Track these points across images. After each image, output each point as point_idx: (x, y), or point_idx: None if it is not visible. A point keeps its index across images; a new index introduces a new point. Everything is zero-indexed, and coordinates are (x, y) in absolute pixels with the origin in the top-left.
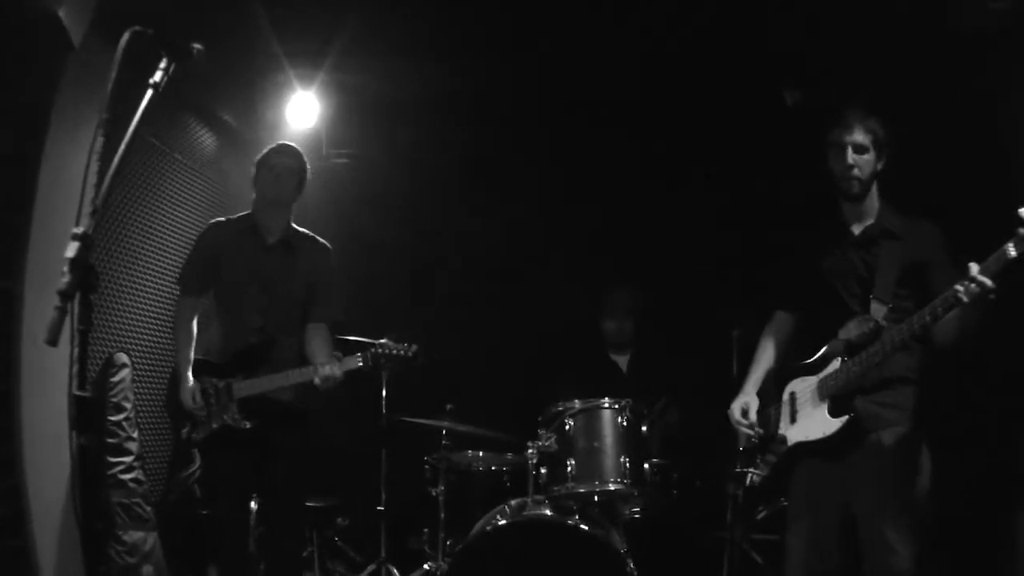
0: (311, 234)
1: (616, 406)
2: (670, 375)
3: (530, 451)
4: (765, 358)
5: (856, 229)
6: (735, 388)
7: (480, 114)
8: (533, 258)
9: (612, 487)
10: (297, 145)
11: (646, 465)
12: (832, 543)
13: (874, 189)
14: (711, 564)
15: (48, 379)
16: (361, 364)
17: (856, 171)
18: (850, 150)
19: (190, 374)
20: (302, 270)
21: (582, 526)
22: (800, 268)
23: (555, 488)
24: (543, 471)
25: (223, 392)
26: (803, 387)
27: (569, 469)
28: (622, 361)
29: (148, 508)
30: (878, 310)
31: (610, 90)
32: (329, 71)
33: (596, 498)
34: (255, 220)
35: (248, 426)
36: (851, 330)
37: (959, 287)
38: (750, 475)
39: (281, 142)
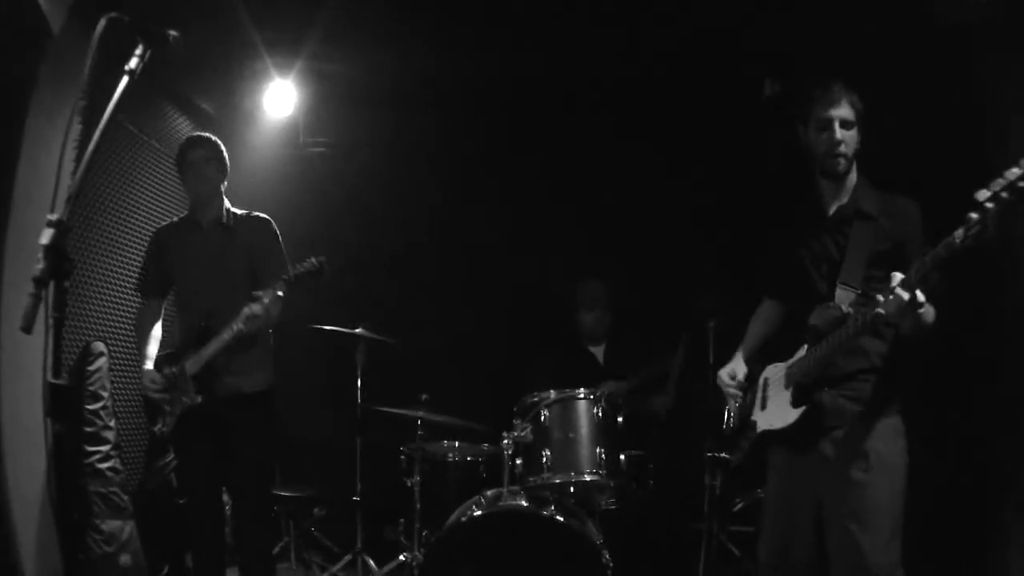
0: (248, 211)
1: (591, 397)
2: (647, 364)
3: (505, 442)
4: (752, 337)
5: (831, 210)
6: (711, 379)
7: (458, 103)
8: (510, 248)
9: (588, 478)
10: (202, 133)
11: (622, 456)
12: (801, 538)
13: (854, 166)
14: (688, 555)
15: (26, 367)
16: (281, 293)
17: (843, 147)
18: (837, 125)
19: (148, 364)
20: (242, 246)
21: (557, 517)
22: (780, 254)
23: (531, 479)
24: (519, 462)
25: (179, 375)
26: (775, 373)
27: (544, 460)
28: (598, 352)
29: (125, 497)
30: (844, 296)
31: (587, 80)
32: (307, 59)
33: (572, 489)
34: (194, 215)
35: (199, 400)
36: (818, 316)
37: (880, 296)
38: (730, 460)
39: (190, 136)
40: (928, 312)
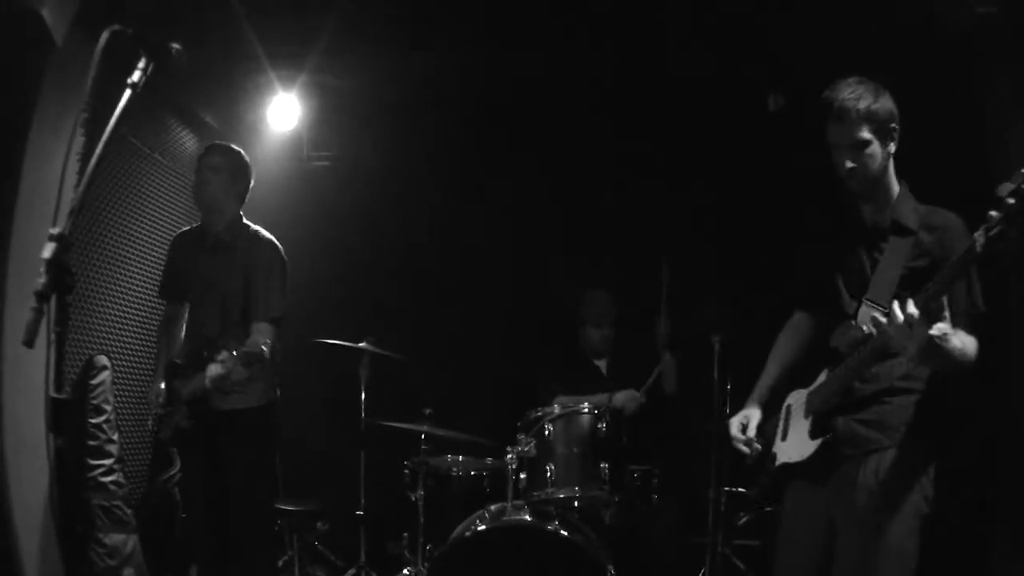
0: (257, 229)
1: (595, 412)
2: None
3: (509, 456)
4: (775, 364)
5: (869, 223)
6: (716, 393)
7: (461, 116)
8: (514, 261)
9: (592, 492)
10: (231, 145)
11: (626, 470)
12: (816, 570)
13: (890, 174)
14: (692, 570)
15: (29, 381)
16: (231, 368)
17: (857, 171)
18: (846, 151)
19: (161, 375)
20: (239, 267)
21: (562, 532)
22: (812, 265)
23: (535, 493)
24: (523, 476)
25: (177, 393)
26: (797, 400)
27: (549, 474)
28: (602, 364)
29: (128, 511)
30: (867, 315)
31: (593, 92)
32: (310, 73)
33: (576, 503)
34: (203, 224)
35: (186, 425)
36: (839, 337)
37: (879, 316)
38: (748, 494)
39: (215, 143)
40: (955, 341)
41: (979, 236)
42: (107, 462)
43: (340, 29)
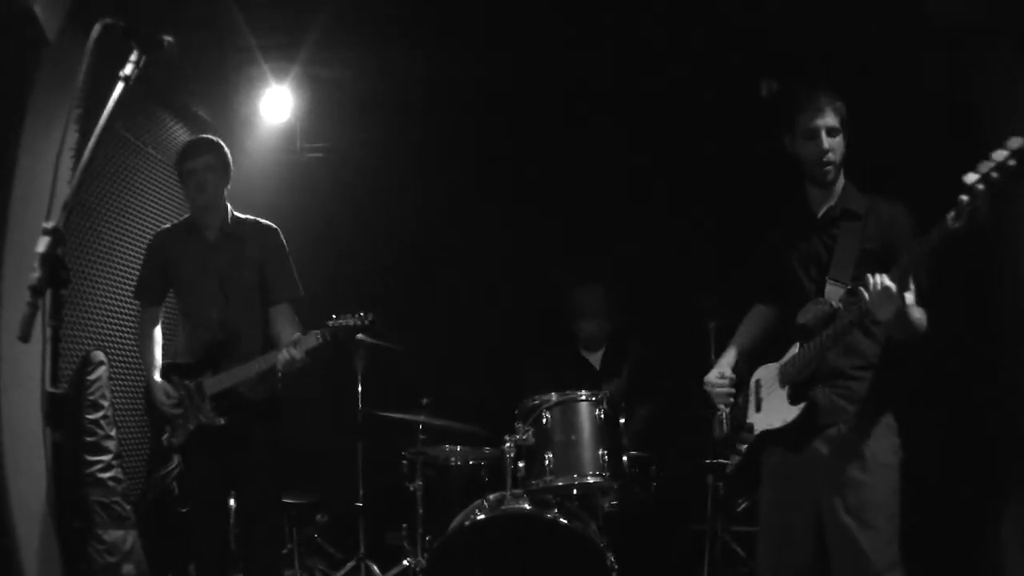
0: (253, 218)
1: (593, 399)
2: (644, 369)
3: (507, 445)
4: (739, 340)
5: (819, 213)
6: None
7: (455, 107)
8: (509, 250)
9: (590, 480)
10: (208, 136)
11: (624, 458)
12: (799, 539)
13: (840, 171)
14: (692, 556)
15: (26, 377)
16: (320, 340)
17: (831, 155)
18: (824, 134)
19: (157, 375)
20: (251, 256)
21: (561, 520)
22: (769, 257)
23: (533, 482)
24: (521, 465)
25: (195, 391)
26: (767, 374)
27: (547, 462)
28: (594, 358)
29: (127, 506)
30: (833, 291)
31: (585, 83)
32: (303, 64)
33: (575, 491)
34: (194, 219)
35: (223, 422)
36: (807, 314)
37: (863, 292)
38: (727, 465)
39: (190, 139)
40: (916, 312)
41: (951, 216)
42: (105, 458)
43: (332, 21)
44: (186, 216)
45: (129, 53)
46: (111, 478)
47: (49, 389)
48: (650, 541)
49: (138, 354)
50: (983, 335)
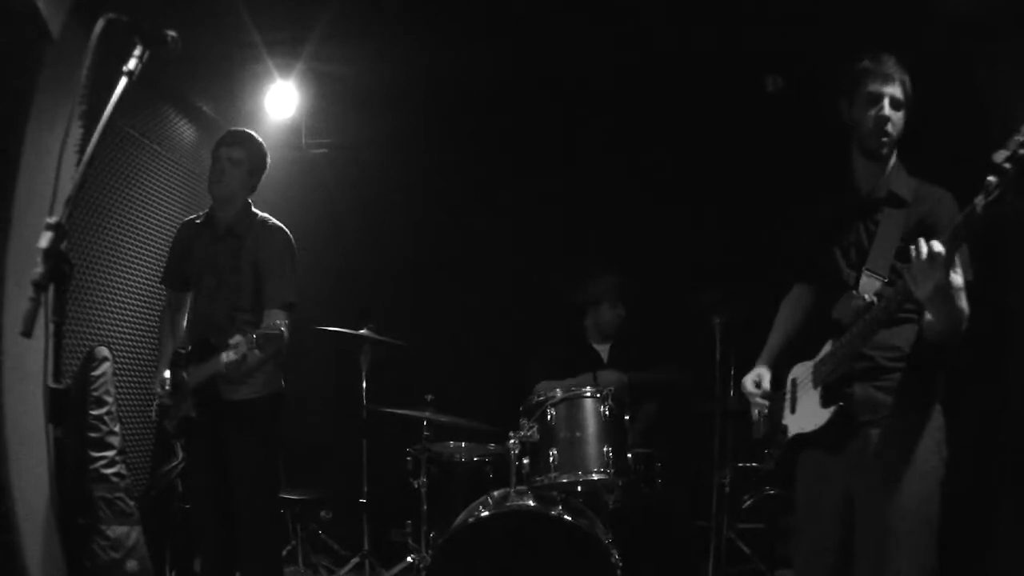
0: (264, 217)
1: (598, 395)
2: (653, 363)
3: (512, 441)
4: (780, 332)
5: (864, 192)
6: (717, 375)
7: (460, 102)
8: (514, 246)
9: (595, 477)
10: (252, 132)
11: (629, 455)
12: (833, 539)
13: (895, 150)
14: (697, 554)
15: (30, 372)
16: (248, 347)
17: (891, 126)
18: (887, 103)
19: (164, 364)
20: (248, 255)
21: (565, 517)
22: (809, 237)
23: (538, 478)
24: (525, 461)
25: (183, 383)
26: (803, 372)
27: (551, 459)
28: (603, 350)
29: (131, 502)
30: (869, 284)
31: (589, 76)
32: (308, 60)
33: (579, 488)
34: (212, 211)
35: (193, 415)
36: (841, 308)
37: (906, 274)
38: (760, 468)
39: (232, 129)
40: (962, 299)
41: (979, 200)
42: (109, 454)
43: (337, 16)
44: (209, 207)
45: (132, 48)
46: (115, 474)
47: (51, 385)
48: (655, 538)
49: (143, 348)
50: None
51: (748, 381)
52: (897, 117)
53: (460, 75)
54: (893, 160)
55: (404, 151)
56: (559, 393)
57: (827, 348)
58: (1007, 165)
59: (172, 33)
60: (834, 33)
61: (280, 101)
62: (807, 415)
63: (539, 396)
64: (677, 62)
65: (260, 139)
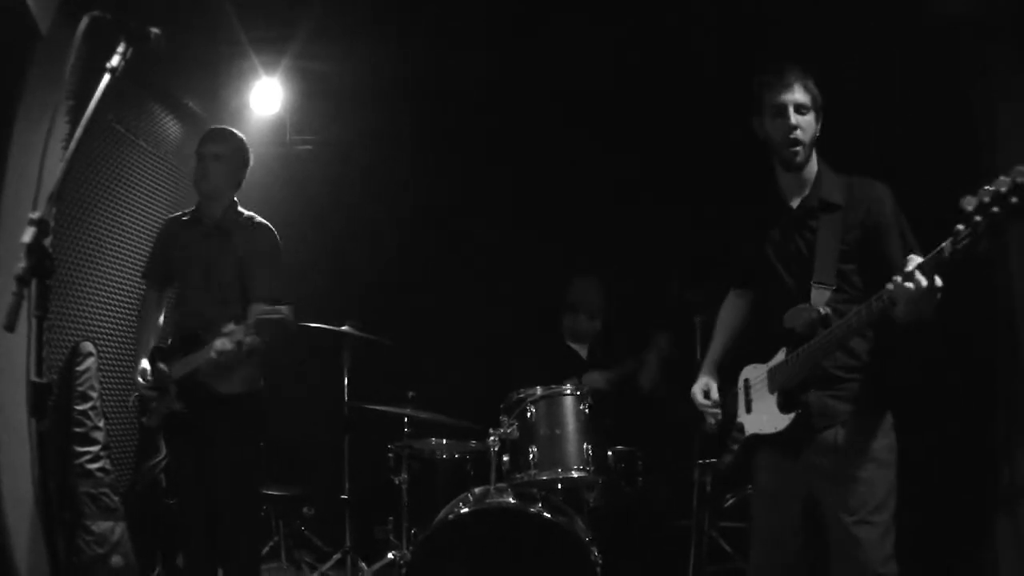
0: (251, 215)
1: (578, 393)
2: (632, 361)
3: (492, 439)
4: (720, 339)
5: (794, 203)
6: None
7: (444, 101)
8: (495, 244)
9: (575, 474)
10: (233, 129)
11: (610, 452)
12: (791, 537)
13: (814, 154)
14: (677, 552)
15: (13, 367)
16: (245, 333)
17: (799, 133)
18: (792, 110)
19: (143, 356)
20: (235, 251)
21: (544, 514)
22: (744, 246)
23: (517, 476)
24: (506, 459)
25: (166, 375)
26: (755, 375)
27: (531, 456)
28: (581, 349)
29: (116, 498)
30: (819, 296)
31: (572, 78)
32: (293, 57)
33: (559, 486)
34: (199, 209)
35: (178, 407)
36: (794, 318)
37: (890, 285)
38: (718, 463)
39: (214, 127)
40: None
41: (947, 246)
42: (94, 449)
43: (323, 14)
44: (196, 204)
45: (117, 45)
46: (99, 469)
47: (34, 379)
48: (635, 536)
49: (127, 343)
50: (977, 332)
51: (697, 392)
52: (806, 122)
53: (444, 73)
54: (814, 165)
55: (388, 148)
56: (539, 391)
57: (781, 356)
58: (977, 218)
59: (155, 30)
60: (825, 33)
61: (265, 98)
62: (764, 417)
63: (519, 394)
64: (666, 62)
65: (241, 135)
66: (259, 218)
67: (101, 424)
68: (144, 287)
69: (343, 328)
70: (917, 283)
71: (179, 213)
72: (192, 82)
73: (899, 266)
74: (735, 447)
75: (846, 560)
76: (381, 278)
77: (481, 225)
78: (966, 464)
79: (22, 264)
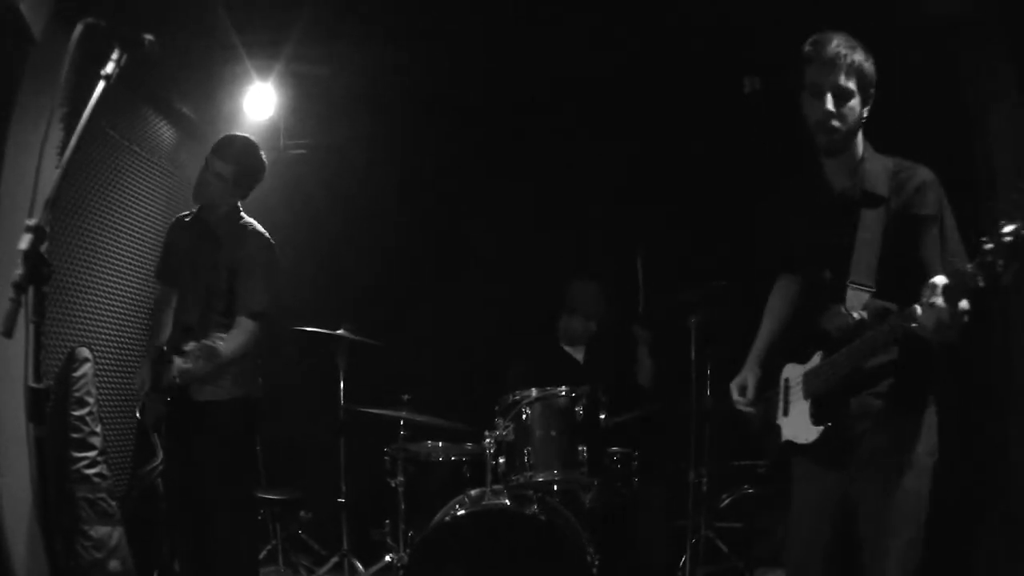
0: (249, 222)
1: (573, 395)
2: (628, 365)
3: (488, 441)
4: (768, 329)
5: (836, 189)
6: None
7: (437, 104)
8: (490, 247)
9: (571, 475)
10: (251, 136)
11: (605, 453)
12: (825, 546)
13: (859, 136)
14: (674, 553)
15: (10, 373)
16: (184, 364)
17: (836, 122)
18: (829, 96)
19: (148, 360)
20: (223, 260)
21: (540, 516)
22: (791, 229)
23: (513, 477)
24: (501, 460)
25: (159, 379)
26: (794, 375)
27: (527, 458)
28: (577, 352)
29: (113, 503)
30: (856, 299)
31: (567, 78)
32: (287, 62)
33: (555, 487)
34: (201, 212)
35: (163, 412)
36: (830, 320)
37: (916, 308)
38: (760, 468)
39: (228, 134)
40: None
41: (974, 271)
42: (91, 454)
43: (316, 19)
44: (198, 207)
45: (111, 52)
46: (96, 474)
47: (32, 384)
48: (632, 537)
49: (124, 349)
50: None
51: (733, 388)
52: (847, 108)
53: (438, 76)
54: (858, 150)
55: (382, 152)
56: (534, 393)
57: (816, 360)
58: (1008, 238)
59: (149, 36)
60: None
61: (259, 102)
62: (798, 425)
63: (514, 396)
64: (655, 63)
65: (255, 149)
66: (257, 226)
67: (98, 429)
68: (150, 290)
69: (338, 331)
70: (938, 311)
71: (184, 213)
72: (186, 87)
73: (933, 270)
74: (773, 452)
75: (876, 567)
76: (376, 281)
77: (476, 228)
78: (964, 462)
79: (19, 271)
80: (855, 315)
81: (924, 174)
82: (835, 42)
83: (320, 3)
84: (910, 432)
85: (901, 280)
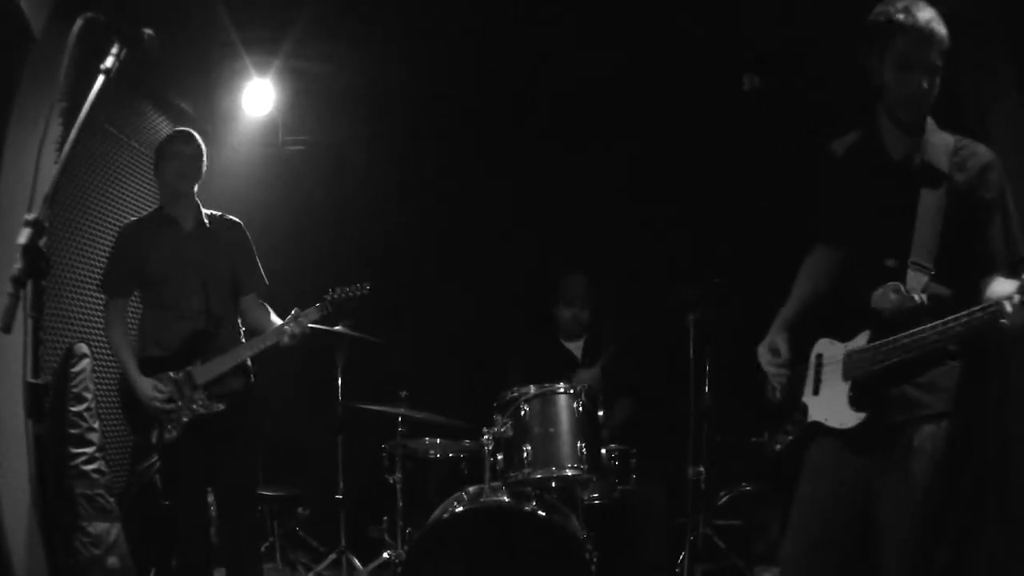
0: (220, 213)
1: (572, 391)
2: (626, 360)
3: (486, 437)
4: (799, 294)
5: (896, 155)
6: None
7: (436, 101)
8: (488, 244)
9: (569, 472)
10: (192, 131)
11: (604, 450)
12: (837, 533)
13: None
14: (672, 549)
15: (9, 369)
16: (323, 312)
17: (928, 95)
18: (924, 71)
19: (136, 371)
20: (224, 249)
21: (539, 512)
22: (839, 196)
23: (512, 474)
24: (500, 457)
25: (184, 382)
26: (830, 353)
27: (525, 455)
28: (575, 347)
29: (111, 499)
30: (916, 280)
31: (566, 76)
32: (285, 58)
33: (553, 484)
34: (168, 211)
35: (222, 407)
36: (885, 300)
37: (1007, 306)
38: (767, 443)
39: (177, 128)
40: None
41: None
42: (89, 450)
43: (315, 15)
44: (155, 209)
45: (110, 47)
46: (95, 470)
47: (30, 380)
48: (630, 534)
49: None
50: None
51: (763, 350)
52: (935, 85)
53: (436, 73)
54: (928, 123)
55: (380, 149)
56: (532, 389)
57: (862, 340)
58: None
59: (149, 32)
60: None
61: (257, 99)
62: (831, 407)
63: (513, 392)
64: (653, 61)
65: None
66: (230, 216)
67: (96, 425)
68: (104, 299)
69: (336, 328)
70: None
71: (137, 218)
72: (184, 83)
73: (999, 259)
74: (794, 430)
75: (899, 565)
76: (374, 277)
77: (474, 224)
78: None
79: (18, 265)
80: (916, 297)
81: (986, 153)
82: (928, 14)
83: (320, 2)
84: (951, 427)
85: (960, 265)
